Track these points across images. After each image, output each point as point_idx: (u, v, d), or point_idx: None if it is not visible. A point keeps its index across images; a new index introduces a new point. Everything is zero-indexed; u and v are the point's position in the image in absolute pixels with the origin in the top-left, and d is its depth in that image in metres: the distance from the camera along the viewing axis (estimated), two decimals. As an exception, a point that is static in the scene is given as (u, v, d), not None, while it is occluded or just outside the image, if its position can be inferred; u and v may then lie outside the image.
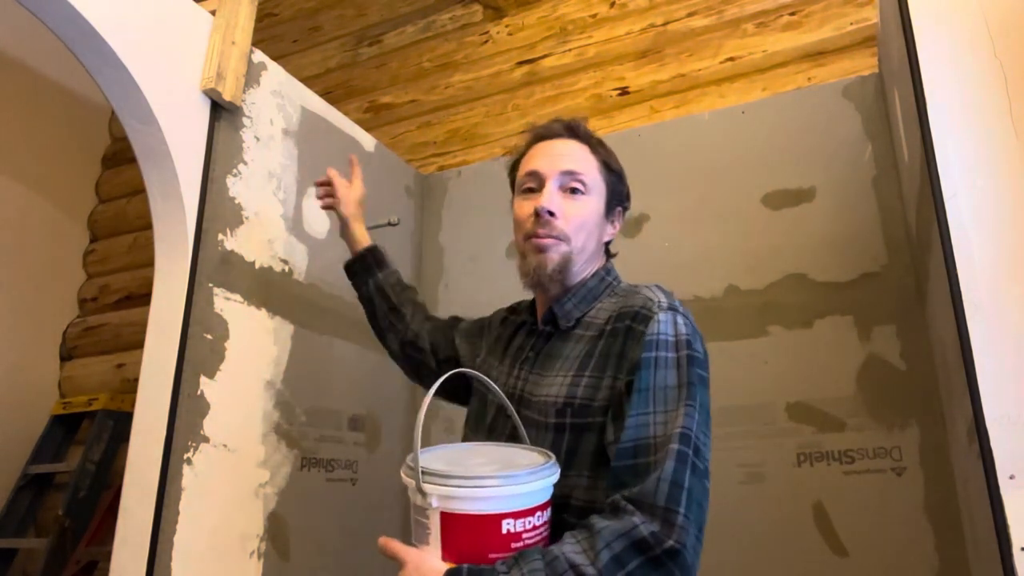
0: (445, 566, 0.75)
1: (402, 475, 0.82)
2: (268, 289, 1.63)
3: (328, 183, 1.39)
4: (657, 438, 0.81)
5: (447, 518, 0.77)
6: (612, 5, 2.39)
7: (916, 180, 1.31)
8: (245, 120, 1.62)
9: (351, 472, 1.83)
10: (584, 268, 1.03)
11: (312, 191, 1.37)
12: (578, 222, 1.00)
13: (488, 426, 1.04)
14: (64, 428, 2.81)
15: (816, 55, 2.04)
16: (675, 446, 0.79)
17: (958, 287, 1.01)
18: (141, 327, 1.58)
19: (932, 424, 1.55)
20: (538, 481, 0.78)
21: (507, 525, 0.76)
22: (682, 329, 0.89)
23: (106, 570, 1.33)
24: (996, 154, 1.04)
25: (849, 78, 1.86)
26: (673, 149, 1.98)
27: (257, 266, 1.61)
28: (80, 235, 3.22)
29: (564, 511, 0.87)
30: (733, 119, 1.94)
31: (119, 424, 2.67)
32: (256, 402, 1.56)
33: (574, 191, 1.01)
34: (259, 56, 1.69)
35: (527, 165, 1.05)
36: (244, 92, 1.61)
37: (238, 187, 1.58)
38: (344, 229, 1.37)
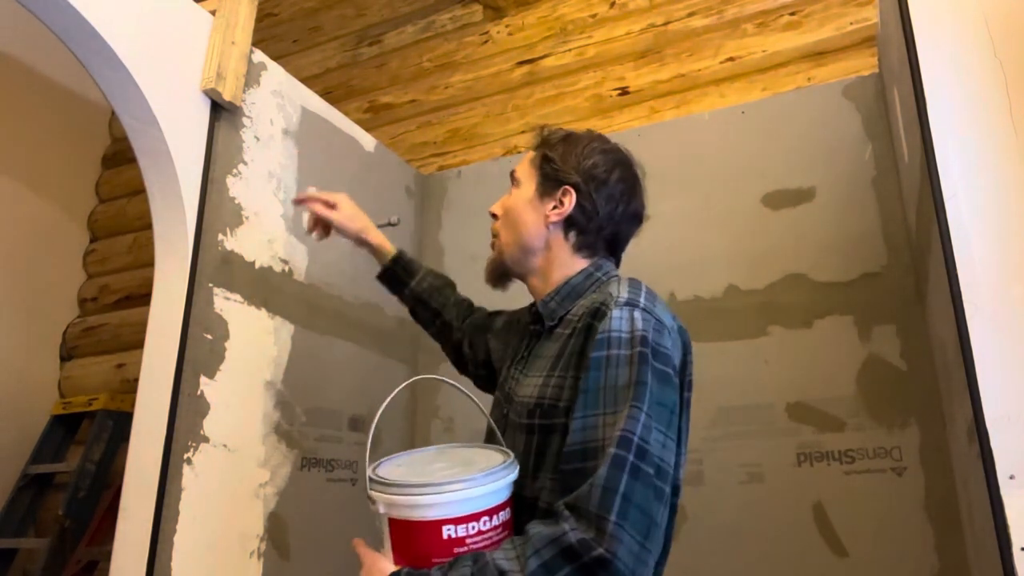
0: (392, 568, 0.79)
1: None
2: (268, 289, 1.63)
3: (315, 222, 1.31)
4: (606, 440, 0.78)
5: (394, 524, 0.80)
6: (612, 5, 2.38)
7: (916, 180, 1.31)
8: (245, 120, 1.62)
9: (351, 472, 1.83)
10: (553, 262, 1.04)
11: (310, 226, 1.33)
12: (508, 217, 1.07)
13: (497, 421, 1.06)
14: (64, 428, 2.80)
15: (816, 55, 2.04)
16: (612, 450, 0.76)
17: (958, 287, 1.01)
18: (141, 327, 1.58)
19: (932, 424, 1.55)
20: (477, 488, 0.78)
21: (448, 531, 0.77)
22: (639, 325, 0.84)
23: (106, 570, 1.33)
24: (996, 154, 1.04)
25: (849, 78, 1.86)
26: (673, 149, 1.98)
27: (257, 266, 1.61)
28: (80, 235, 3.22)
29: (533, 513, 0.86)
30: (733, 119, 1.94)
31: (119, 424, 2.66)
32: (256, 402, 1.56)
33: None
34: (259, 56, 1.69)
35: None
36: (244, 92, 1.61)
37: (238, 187, 1.58)
38: (358, 245, 1.32)
